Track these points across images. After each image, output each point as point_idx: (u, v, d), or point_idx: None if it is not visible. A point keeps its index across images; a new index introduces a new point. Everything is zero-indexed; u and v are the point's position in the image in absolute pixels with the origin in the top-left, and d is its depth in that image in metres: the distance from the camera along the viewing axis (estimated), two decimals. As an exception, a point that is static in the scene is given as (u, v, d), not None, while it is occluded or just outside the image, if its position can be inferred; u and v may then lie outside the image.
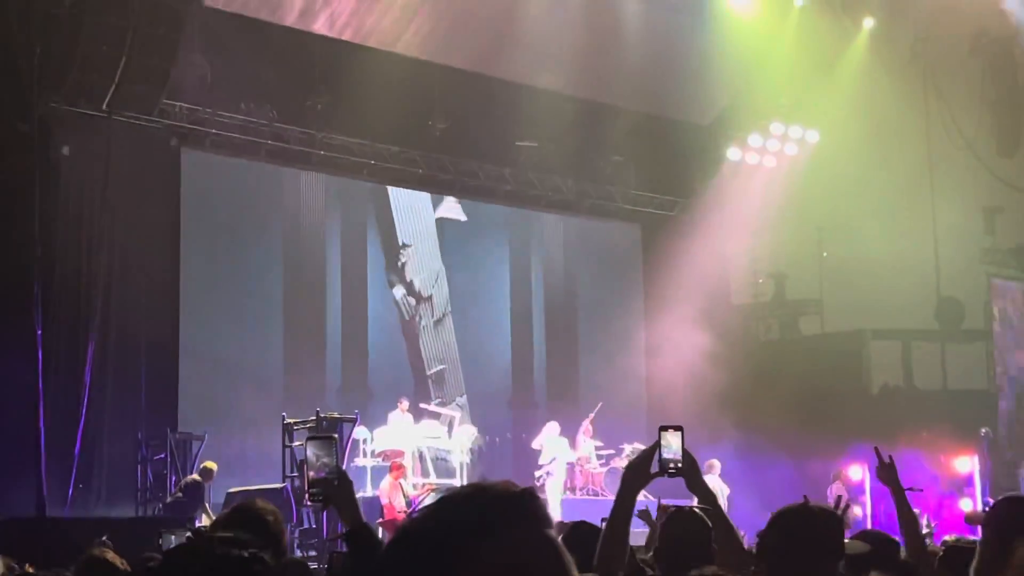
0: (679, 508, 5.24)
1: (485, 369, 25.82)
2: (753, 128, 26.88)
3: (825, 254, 28.84)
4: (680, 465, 4.37)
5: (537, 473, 22.25)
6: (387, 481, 19.04)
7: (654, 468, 4.33)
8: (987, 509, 5.10)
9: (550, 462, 22.26)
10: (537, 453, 22.88)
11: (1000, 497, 5.14)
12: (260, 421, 21.28)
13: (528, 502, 1.77)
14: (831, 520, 4.18)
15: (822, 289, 29.01)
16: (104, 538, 7.83)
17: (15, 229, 18.43)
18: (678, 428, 4.39)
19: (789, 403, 24.48)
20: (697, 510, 4.88)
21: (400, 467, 19.38)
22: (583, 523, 5.79)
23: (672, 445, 4.36)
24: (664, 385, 26.30)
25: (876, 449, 6.42)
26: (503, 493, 1.78)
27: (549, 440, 22.64)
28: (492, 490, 1.77)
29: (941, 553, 6.42)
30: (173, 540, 7.67)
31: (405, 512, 18.46)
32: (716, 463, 21.51)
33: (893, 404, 27.12)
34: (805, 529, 4.04)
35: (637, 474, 4.30)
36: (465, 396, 25.26)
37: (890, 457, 6.33)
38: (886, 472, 6.32)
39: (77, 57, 19.12)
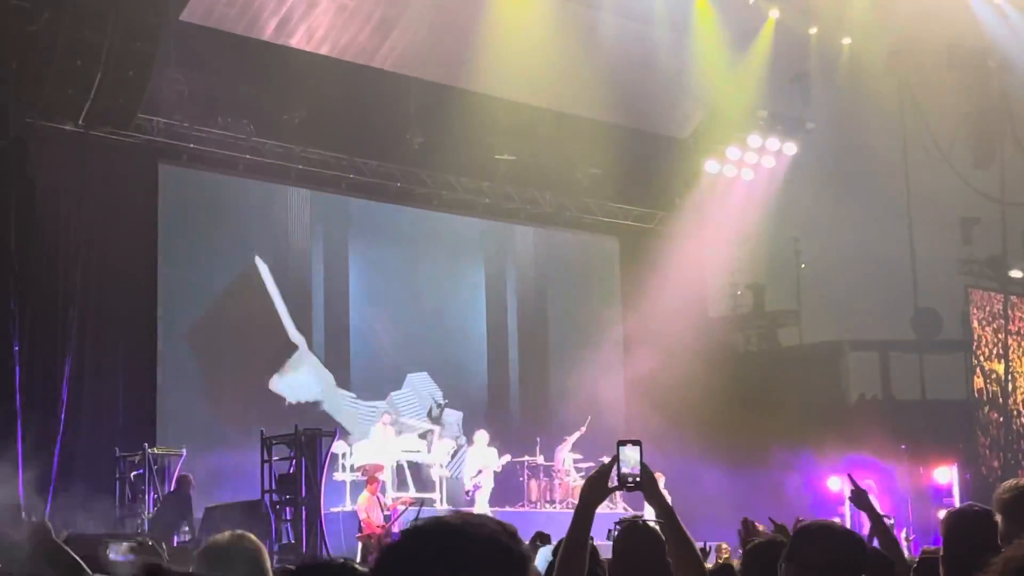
0: (632, 522, 5.24)
1: (462, 383, 25.79)
2: (731, 141, 26.95)
3: (803, 265, 28.93)
4: (639, 479, 4.39)
5: (466, 487, 22.09)
6: (364, 496, 19.01)
7: (613, 482, 4.36)
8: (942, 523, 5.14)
9: (477, 474, 22.09)
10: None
11: (948, 511, 5.19)
12: (237, 436, 21.21)
13: (512, 553, 1.72)
14: (858, 539, 4.25)
15: (800, 300, 29.09)
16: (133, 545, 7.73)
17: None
18: (636, 442, 4.42)
19: (768, 414, 24.52)
20: (651, 523, 4.89)
21: (376, 481, 19.32)
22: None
23: (630, 459, 4.38)
24: (643, 397, 26.30)
25: (850, 476, 6.52)
26: (486, 538, 1.73)
27: (475, 451, 22.53)
28: (473, 533, 1.73)
29: (915, 564, 6.45)
30: (114, 552, 7.56)
31: (382, 527, 18.45)
32: (660, 476, 21.44)
33: (872, 415, 27.17)
34: (835, 545, 4.08)
35: (595, 488, 4.31)
36: (444, 410, 25.22)
37: (855, 485, 6.46)
38: (859, 498, 6.40)
39: (52, 72, 19.06)
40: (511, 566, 1.71)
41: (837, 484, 23.00)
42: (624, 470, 4.37)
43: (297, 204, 23.96)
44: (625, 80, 24.08)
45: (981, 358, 28.68)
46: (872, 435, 24.57)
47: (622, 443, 4.41)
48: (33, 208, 19.18)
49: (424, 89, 23.39)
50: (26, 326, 18.66)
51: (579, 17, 23.53)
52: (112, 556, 7.48)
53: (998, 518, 4.46)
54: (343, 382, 24.22)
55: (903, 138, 27.60)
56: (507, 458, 22.50)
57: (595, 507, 4.30)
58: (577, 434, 23.26)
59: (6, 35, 18.49)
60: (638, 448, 4.41)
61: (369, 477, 19.47)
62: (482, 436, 22.58)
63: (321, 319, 24.18)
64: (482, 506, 21.47)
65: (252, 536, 4.38)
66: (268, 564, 4.32)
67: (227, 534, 4.31)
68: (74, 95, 19.31)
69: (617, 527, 5.47)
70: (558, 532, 6.23)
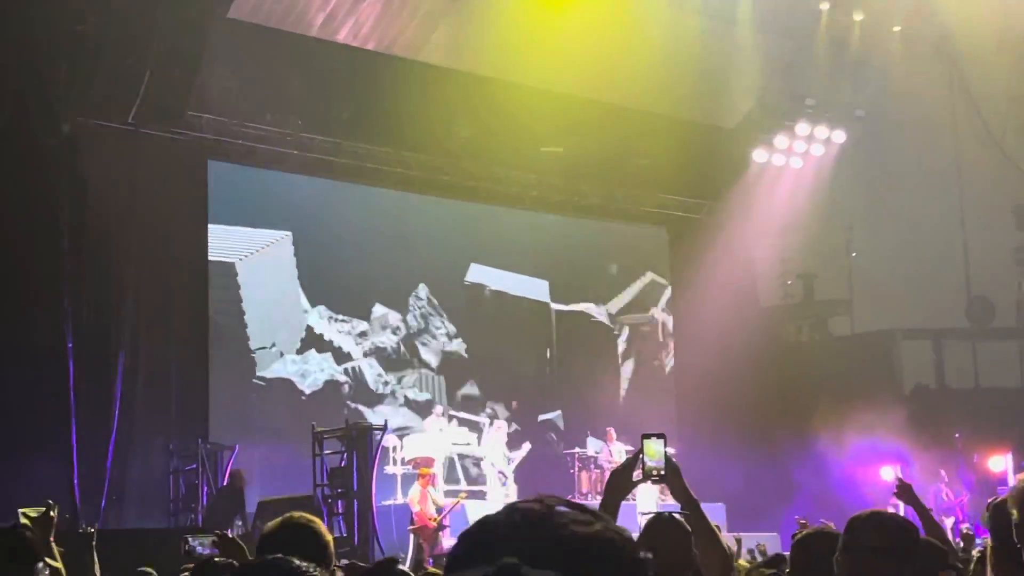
0: (658, 514, 5.27)
1: (511, 375, 25.79)
2: (779, 129, 26.80)
3: (854, 254, 28.73)
4: (663, 472, 4.46)
5: (497, 479, 22.06)
6: (416, 489, 19.06)
7: (638, 475, 4.44)
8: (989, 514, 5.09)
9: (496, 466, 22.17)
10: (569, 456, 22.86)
11: (994, 501, 5.13)
12: (289, 431, 21.35)
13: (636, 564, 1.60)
14: (907, 528, 4.23)
15: (852, 289, 28.89)
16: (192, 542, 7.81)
17: (45, 244, 18.52)
18: (661, 436, 4.52)
19: (820, 405, 24.40)
20: (676, 516, 4.92)
21: (428, 475, 19.38)
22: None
23: (655, 452, 4.47)
24: (692, 388, 26.26)
25: (898, 476, 6.56)
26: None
27: (495, 441, 22.54)
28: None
29: (978, 555, 6.40)
30: (198, 546, 7.66)
31: (435, 519, 18.52)
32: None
33: (925, 404, 26.98)
34: (889, 533, 4.07)
35: (620, 481, 4.41)
36: (491, 402, 25.25)
37: (901, 481, 6.47)
38: (905, 494, 6.40)
39: (102, 71, 19.21)
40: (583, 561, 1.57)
41: (890, 474, 22.84)
42: (649, 463, 4.46)
43: (345, 199, 24.01)
44: (672, 70, 23.98)
45: (1035, 345, 28.41)
46: (926, 424, 24.41)
47: (647, 436, 4.51)
48: (85, 206, 19.34)
49: (471, 82, 23.38)
50: (80, 323, 18.83)
51: (625, 8, 23.46)
52: (198, 550, 7.60)
53: (1013, 511, 4.42)
54: (392, 375, 24.30)
55: (954, 124, 27.37)
56: (620, 450, 22.44)
57: (620, 499, 4.40)
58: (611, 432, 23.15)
59: (55, 36, 18.64)
60: (662, 441, 4.52)
61: (421, 471, 19.53)
62: (501, 425, 22.77)
63: (369, 313, 24.23)
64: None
65: (301, 513, 4.40)
66: (326, 534, 4.32)
67: (277, 520, 4.34)
68: (124, 94, 19.46)
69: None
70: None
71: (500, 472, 21.90)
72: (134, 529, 17.53)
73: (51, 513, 5.98)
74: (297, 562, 3.15)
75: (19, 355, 18.09)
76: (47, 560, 5.11)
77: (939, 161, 27.38)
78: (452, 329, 25.19)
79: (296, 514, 4.39)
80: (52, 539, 5.96)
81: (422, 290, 24.86)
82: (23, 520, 6.29)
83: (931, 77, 26.51)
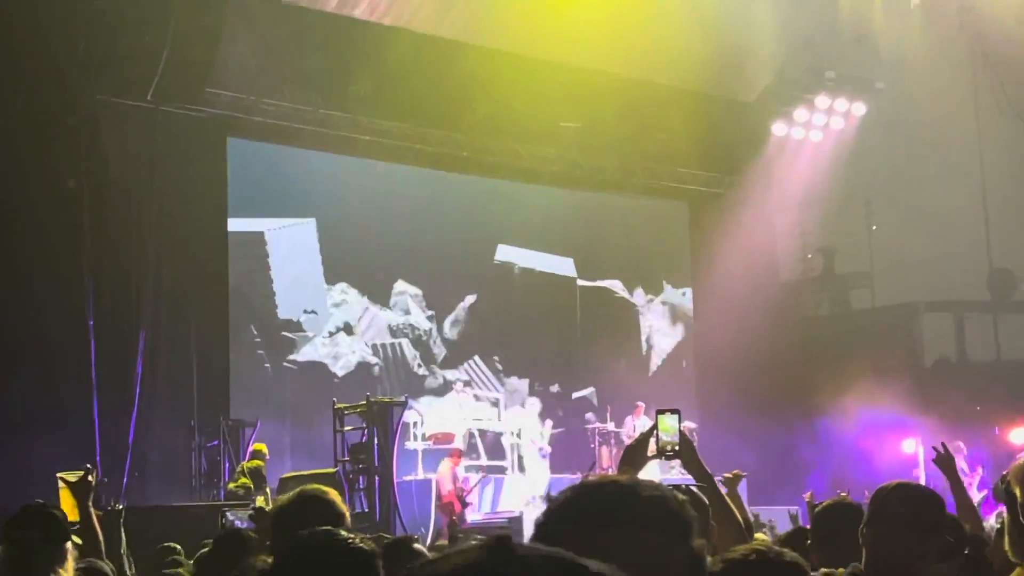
0: (675, 487, 5.30)
1: (531, 350, 25.80)
2: (799, 102, 26.69)
3: (874, 227, 28.60)
4: (677, 447, 4.51)
5: (538, 454, 22.17)
6: (446, 465, 19.20)
7: (652, 451, 4.49)
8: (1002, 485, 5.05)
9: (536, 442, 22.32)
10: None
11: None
12: (309, 407, 21.41)
13: (678, 518, 1.81)
14: (938, 499, 4.22)
15: (872, 262, 28.77)
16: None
17: (65, 222, 18.58)
18: (675, 411, 4.57)
19: (841, 379, 24.34)
20: (693, 488, 4.95)
21: (458, 454, 19.58)
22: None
23: (669, 428, 4.51)
24: (713, 363, 26.25)
25: (943, 444, 6.59)
26: (654, 498, 1.80)
27: (530, 417, 22.70)
28: (642, 492, 1.79)
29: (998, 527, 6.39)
30: (236, 520, 7.74)
31: (454, 492, 18.67)
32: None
33: (946, 377, 26.90)
34: (914, 504, 4.06)
35: (634, 456, 4.45)
36: (515, 378, 25.28)
37: (946, 448, 6.46)
38: (944, 462, 6.39)
39: (120, 49, 19.23)
40: (674, 528, 1.75)
41: (911, 446, 22.80)
42: (664, 438, 4.50)
43: (364, 175, 24.00)
44: (691, 43, 23.85)
45: (1057, 317, 28.29)
46: (947, 397, 24.35)
47: (661, 412, 4.56)
48: (105, 184, 19.40)
49: (489, 57, 23.31)
50: (101, 301, 18.90)
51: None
52: (238, 523, 7.68)
53: (1016, 490, 4.40)
54: (412, 350, 24.33)
55: (975, 96, 27.20)
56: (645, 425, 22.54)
57: (636, 473, 4.36)
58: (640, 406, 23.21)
59: (73, 14, 18.66)
60: (677, 416, 4.56)
61: (453, 450, 19.75)
62: (534, 403, 22.84)
63: (389, 290, 24.26)
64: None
65: (315, 485, 4.41)
66: (341, 505, 4.33)
67: (291, 492, 4.36)
68: (142, 71, 19.48)
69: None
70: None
71: (540, 448, 22.06)
72: (158, 506, 17.58)
73: (89, 477, 6.02)
74: (344, 534, 3.19)
75: (41, 333, 18.17)
76: (73, 537, 5.13)
77: (960, 133, 27.23)
78: (476, 305, 25.19)
79: (310, 486, 4.40)
80: (91, 503, 6.01)
81: (444, 267, 24.84)
82: (61, 484, 6.34)
83: (952, 49, 26.34)
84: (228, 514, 7.42)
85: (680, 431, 4.55)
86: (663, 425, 4.51)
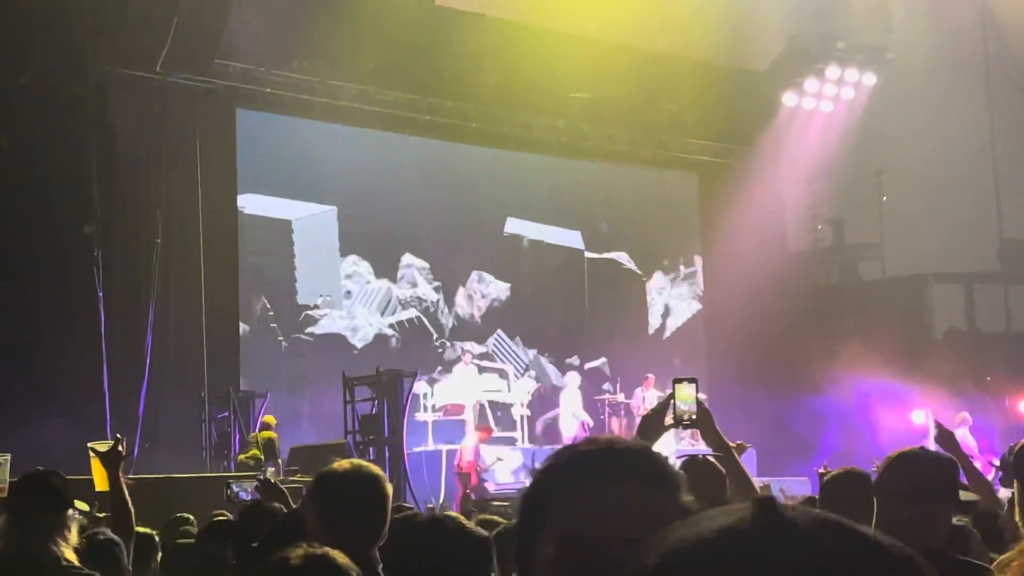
0: (693, 456, 5.31)
1: (539, 321, 25.78)
2: (809, 73, 26.59)
3: (885, 198, 28.52)
4: (694, 416, 4.49)
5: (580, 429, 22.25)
6: (473, 439, 19.27)
7: (669, 420, 4.47)
8: (1010, 457, 5.02)
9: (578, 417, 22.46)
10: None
11: (1016, 447, 5.05)
12: (319, 378, 21.44)
13: (665, 470, 1.81)
14: (949, 465, 4.21)
15: (882, 233, 28.71)
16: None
17: (74, 193, 18.59)
18: (692, 380, 4.56)
19: (850, 349, 24.31)
20: (711, 458, 4.94)
21: (488, 431, 19.65)
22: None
23: (686, 397, 4.50)
24: (722, 334, 26.24)
25: (937, 422, 6.59)
26: (638, 451, 1.79)
27: (570, 393, 22.85)
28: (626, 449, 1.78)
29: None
30: (241, 492, 7.73)
31: (473, 464, 18.75)
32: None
33: (956, 348, 26.87)
34: (924, 472, 4.05)
35: (651, 425, 4.42)
36: (525, 349, 25.28)
37: (939, 427, 6.50)
38: (944, 439, 6.39)
39: (129, 20, 19.20)
40: (668, 481, 1.74)
41: (921, 417, 22.79)
42: (681, 407, 4.47)
43: (372, 146, 23.96)
44: (701, 13, 23.79)
45: (1067, 288, 28.22)
46: (957, 368, 24.33)
47: (678, 381, 4.53)
48: (114, 155, 19.40)
49: (498, 28, 23.24)
50: (110, 273, 18.91)
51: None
52: (242, 496, 7.68)
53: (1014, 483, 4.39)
54: (420, 323, 24.34)
55: (986, 66, 27.08)
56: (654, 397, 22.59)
57: (652, 444, 4.38)
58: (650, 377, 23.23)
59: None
60: (694, 385, 4.53)
61: (483, 426, 19.83)
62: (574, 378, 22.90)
63: (397, 262, 24.25)
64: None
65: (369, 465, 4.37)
66: (388, 488, 4.30)
67: (346, 462, 4.32)
68: (151, 42, 19.45)
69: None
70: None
71: (583, 422, 22.13)
72: (168, 477, 17.61)
73: (119, 447, 6.04)
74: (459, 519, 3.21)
75: (51, 305, 18.20)
76: (76, 503, 5.13)
77: (970, 104, 27.12)
78: (487, 278, 25.17)
79: (358, 462, 4.33)
80: (121, 472, 6.02)
81: (454, 239, 24.79)
82: (92, 455, 6.36)
83: (963, 19, 26.21)
84: (233, 486, 7.44)
85: (698, 400, 4.53)
86: (680, 394, 4.49)
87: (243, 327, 21.56)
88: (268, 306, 22.46)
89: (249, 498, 7.05)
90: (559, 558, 1.69)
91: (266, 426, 18.77)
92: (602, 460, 1.73)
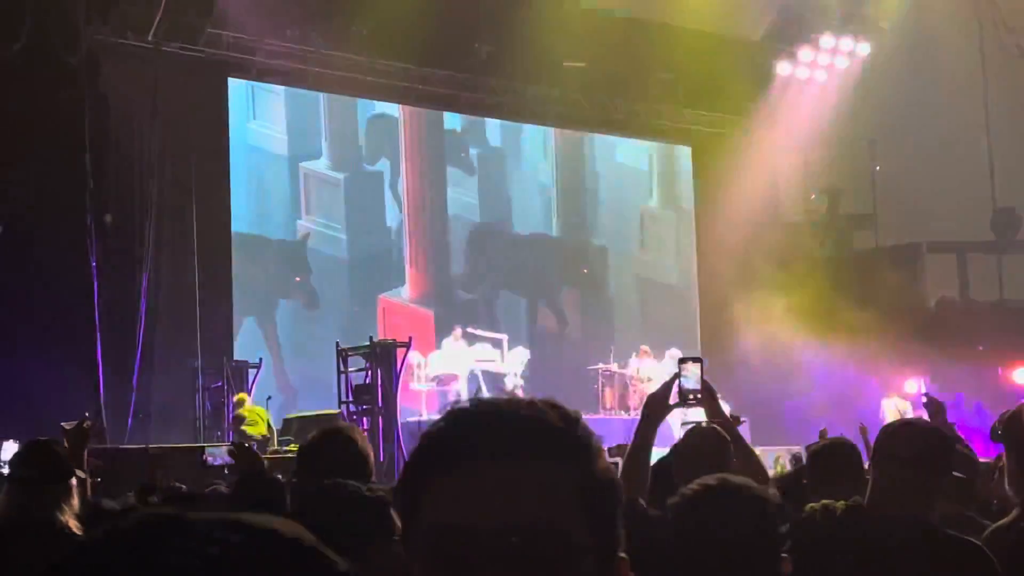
0: (697, 423, 5.39)
1: (534, 291, 25.81)
2: (803, 42, 26.52)
3: (878, 167, 28.50)
4: (699, 395, 4.56)
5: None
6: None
7: (674, 399, 4.53)
8: (1000, 425, 5.03)
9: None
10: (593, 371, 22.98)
11: (1007, 414, 5.03)
12: (312, 348, 21.44)
13: (564, 436, 1.52)
14: (941, 438, 4.22)
15: (876, 203, 28.70)
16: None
17: (66, 162, 18.53)
18: (698, 359, 4.69)
19: (843, 319, 24.33)
20: (715, 425, 5.01)
21: None
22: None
23: (692, 376, 4.57)
24: (716, 305, 26.24)
25: (924, 392, 6.63)
26: (532, 418, 1.50)
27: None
28: (516, 414, 1.50)
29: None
30: (210, 457, 7.77)
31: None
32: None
33: (949, 317, 26.91)
34: (927, 442, 4.07)
35: (657, 404, 4.48)
36: (517, 319, 25.31)
37: (929, 397, 6.52)
38: (933, 408, 6.44)
39: (122, -11, 19.13)
40: (563, 451, 1.45)
41: (914, 387, 22.83)
42: (686, 386, 4.55)
43: (366, 116, 23.92)
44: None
45: (1061, 257, 28.24)
46: (950, 337, 24.36)
47: (683, 360, 4.64)
48: (107, 124, 19.34)
49: (492, -4, 23.17)
50: (103, 241, 18.88)
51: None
52: (210, 461, 7.72)
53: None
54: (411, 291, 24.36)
55: (979, 35, 27.02)
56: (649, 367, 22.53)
57: (658, 422, 4.49)
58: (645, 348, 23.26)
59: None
60: (699, 365, 4.64)
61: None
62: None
63: (391, 232, 24.25)
64: None
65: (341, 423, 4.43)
66: (365, 445, 4.36)
67: (320, 430, 4.38)
68: (144, 10, 19.40)
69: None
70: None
71: None
72: (161, 447, 17.62)
73: (83, 425, 6.11)
74: (354, 484, 3.19)
75: (43, 275, 18.16)
76: (77, 472, 5.16)
77: (964, 73, 27.07)
78: (476, 249, 25.19)
79: (336, 424, 4.42)
80: (87, 452, 6.08)
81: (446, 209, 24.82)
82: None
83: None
84: (207, 449, 7.44)
85: (703, 379, 4.59)
86: (685, 373, 4.56)
87: (236, 291, 21.53)
88: (261, 270, 22.44)
89: (221, 463, 7.06)
90: (433, 556, 1.40)
91: (239, 404, 18.54)
92: (481, 429, 1.44)
